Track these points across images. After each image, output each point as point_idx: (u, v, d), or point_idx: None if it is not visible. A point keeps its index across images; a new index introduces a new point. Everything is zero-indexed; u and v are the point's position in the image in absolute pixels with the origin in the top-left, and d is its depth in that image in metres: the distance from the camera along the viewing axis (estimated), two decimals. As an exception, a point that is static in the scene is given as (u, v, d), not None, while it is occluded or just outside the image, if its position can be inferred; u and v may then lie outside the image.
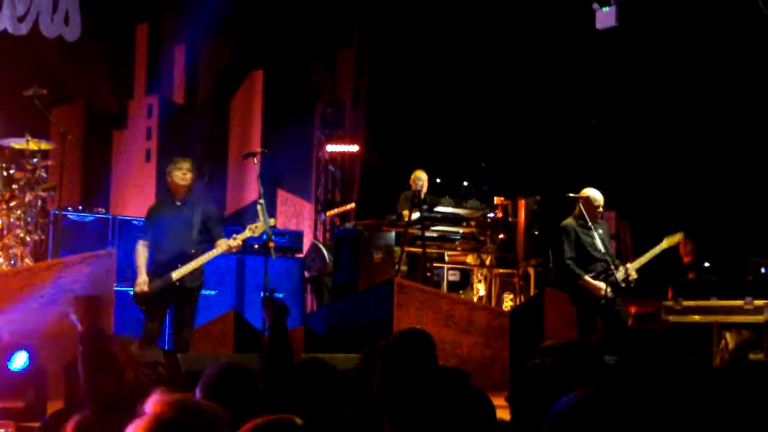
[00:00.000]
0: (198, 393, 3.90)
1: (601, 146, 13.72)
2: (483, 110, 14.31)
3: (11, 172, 10.31)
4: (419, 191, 11.41)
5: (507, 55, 14.11)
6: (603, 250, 9.32)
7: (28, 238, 10.35)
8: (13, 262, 10.04)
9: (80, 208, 11.39)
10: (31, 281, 8.80)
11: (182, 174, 8.54)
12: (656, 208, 13.21)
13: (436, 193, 11.95)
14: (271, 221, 8.63)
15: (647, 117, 13.42)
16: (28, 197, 10.38)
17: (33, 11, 12.91)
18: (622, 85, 13.58)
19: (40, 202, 10.70)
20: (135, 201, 13.84)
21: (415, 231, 11.17)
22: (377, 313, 10.00)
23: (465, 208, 11.97)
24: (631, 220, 13.67)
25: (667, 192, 13.15)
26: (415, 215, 11.21)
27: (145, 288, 8.34)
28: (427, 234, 11.29)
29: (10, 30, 12.72)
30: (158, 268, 8.43)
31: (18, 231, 10.24)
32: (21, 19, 12.81)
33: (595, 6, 12.64)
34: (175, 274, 8.34)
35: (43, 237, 10.70)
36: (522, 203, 12.31)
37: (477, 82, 14.33)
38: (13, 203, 10.26)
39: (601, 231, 9.42)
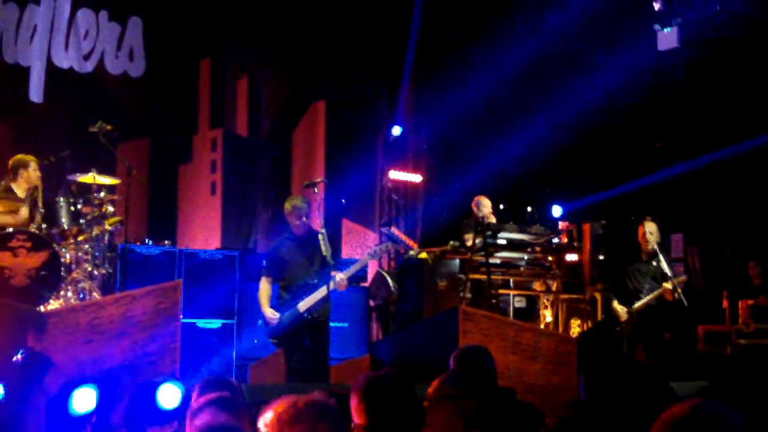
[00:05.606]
0: None
1: (668, 170, 13.54)
2: (547, 135, 14.21)
3: (78, 207, 10.39)
4: (483, 217, 11.32)
5: (569, 79, 14.01)
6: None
7: (96, 272, 10.44)
8: (81, 296, 10.12)
9: (147, 241, 11.50)
10: (99, 315, 8.85)
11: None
12: (723, 232, 13.00)
13: (499, 220, 11.88)
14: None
15: (714, 138, 13.21)
16: (95, 232, 10.46)
17: (98, 49, 13.12)
18: (688, 108, 13.41)
19: (107, 237, 10.78)
20: (201, 234, 13.96)
21: (479, 258, 11.08)
22: (442, 341, 9.92)
23: (529, 233, 11.85)
24: (698, 244, 13.47)
25: (735, 215, 12.93)
26: (479, 242, 11.14)
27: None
28: (492, 260, 11.20)
29: (76, 68, 12.94)
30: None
31: (86, 265, 10.33)
32: (86, 57, 13.02)
33: (657, 27, 12.55)
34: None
35: (110, 271, 10.79)
36: (587, 228, 12.15)
37: (539, 105, 14.25)
38: (80, 238, 10.34)
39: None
